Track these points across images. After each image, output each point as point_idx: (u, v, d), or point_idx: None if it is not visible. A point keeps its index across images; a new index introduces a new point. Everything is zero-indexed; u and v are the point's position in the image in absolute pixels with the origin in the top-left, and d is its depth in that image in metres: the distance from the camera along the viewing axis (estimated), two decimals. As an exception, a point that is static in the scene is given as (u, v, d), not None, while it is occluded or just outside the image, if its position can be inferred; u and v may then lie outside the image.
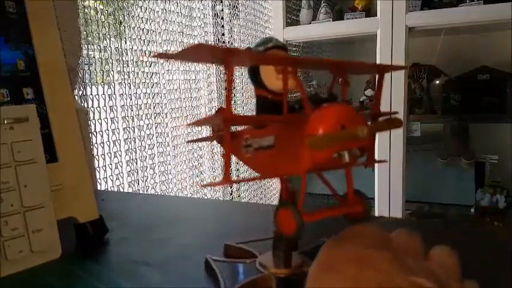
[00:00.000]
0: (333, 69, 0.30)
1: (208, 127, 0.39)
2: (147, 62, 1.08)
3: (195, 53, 0.25)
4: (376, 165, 1.50)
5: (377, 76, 0.31)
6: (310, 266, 0.33)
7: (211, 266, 0.36)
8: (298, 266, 0.33)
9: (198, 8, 1.31)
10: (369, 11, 1.57)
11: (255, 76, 0.31)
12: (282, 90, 0.29)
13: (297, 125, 0.27)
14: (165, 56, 0.27)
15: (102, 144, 0.92)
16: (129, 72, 1.02)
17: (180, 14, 1.21)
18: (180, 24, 1.21)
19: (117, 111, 0.97)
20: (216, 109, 0.38)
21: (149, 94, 1.09)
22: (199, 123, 0.37)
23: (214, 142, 0.42)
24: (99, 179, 0.91)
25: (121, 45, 0.99)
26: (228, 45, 1.45)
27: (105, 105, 0.93)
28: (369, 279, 0.21)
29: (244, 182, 0.28)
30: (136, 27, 1.04)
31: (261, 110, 0.31)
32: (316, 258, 0.24)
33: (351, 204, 0.29)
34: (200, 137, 1.26)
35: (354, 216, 0.29)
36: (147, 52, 1.07)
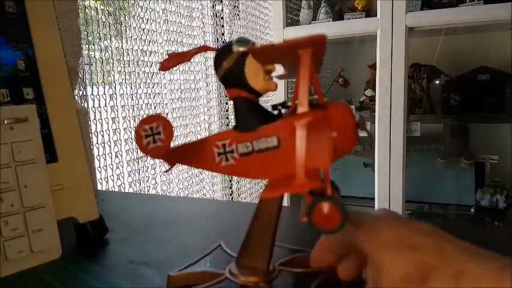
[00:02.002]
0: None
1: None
2: (148, 62, 1.08)
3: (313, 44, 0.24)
4: (376, 165, 1.50)
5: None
6: (277, 263, 0.33)
7: None
8: (273, 267, 0.32)
9: (198, 8, 1.31)
10: (369, 11, 1.57)
11: (238, 76, 0.29)
12: (268, 91, 0.29)
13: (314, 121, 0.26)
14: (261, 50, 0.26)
15: (103, 144, 0.92)
16: (129, 72, 1.02)
17: (180, 14, 1.21)
18: (180, 24, 1.21)
19: (117, 111, 0.97)
20: (146, 116, 0.31)
21: (150, 94, 1.09)
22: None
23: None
24: (100, 179, 0.91)
25: (121, 45, 0.99)
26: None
27: (105, 106, 0.93)
28: (448, 249, 0.23)
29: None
30: (136, 27, 1.04)
31: (246, 112, 0.30)
32: (369, 240, 0.26)
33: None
34: (200, 137, 1.26)
35: None
36: (146, 52, 1.07)
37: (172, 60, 0.29)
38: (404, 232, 0.25)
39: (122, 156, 0.99)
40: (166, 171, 0.33)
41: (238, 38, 0.30)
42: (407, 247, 0.24)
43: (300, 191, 0.26)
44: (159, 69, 0.28)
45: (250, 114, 0.30)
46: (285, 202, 1.42)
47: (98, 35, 0.92)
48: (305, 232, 0.26)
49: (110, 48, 0.95)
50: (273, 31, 1.65)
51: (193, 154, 0.30)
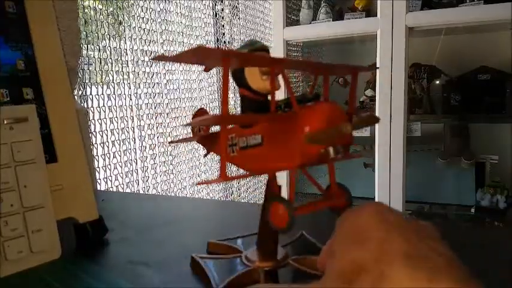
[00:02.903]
0: (312, 70, 0.32)
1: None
2: (148, 62, 1.08)
3: (193, 56, 0.26)
4: (376, 165, 1.50)
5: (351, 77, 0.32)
6: (292, 257, 0.35)
7: (198, 263, 0.37)
8: (282, 258, 0.35)
9: (199, 8, 1.31)
10: (369, 11, 1.57)
11: (240, 77, 0.32)
12: (266, 91, 0.31)
13: (286, 123, 0.28)
14: (164, 58, 0.28)
15: (102, 144, 0.92)
16: (128, 72, 1.01)
17: (180, 14, 1.21)
18: (180, 24, 1.21)
19: (116, 111, 0.97)
20: (196, 110, 0.39)
21: (150, 94, 1.09)
22: (194, 123, 0.38)
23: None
24: (99, 179, 0.91)
25: (120, 45, 0.99)
26: (228, 46, 1.45)
27: (104, 106, 0.93)
28: (396, 244, 0.21)
29: (239, 178, 0.30)
30: (136, 27, 1.04)
31: (247, 110, 0.33)
32: (336, 230, 0.25)
33: (336, 197, 0.31)
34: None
35: (337, 207, 0.31)
36: (147, 52, 1.07)
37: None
38: (362, 224, 0.23)
39: (120, 156, 0.98)
40: (204, 156, 0.39)
41: (247, 40, 0.33)
42: (355, 242, 0.22)
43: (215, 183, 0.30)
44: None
45: (250, 112, 0.32)
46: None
47: (97, 34, 0.92)
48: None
49: (108, 48, 0.95)
50: (273, 31, 1.65)
51: (215, 144, 0.34)
